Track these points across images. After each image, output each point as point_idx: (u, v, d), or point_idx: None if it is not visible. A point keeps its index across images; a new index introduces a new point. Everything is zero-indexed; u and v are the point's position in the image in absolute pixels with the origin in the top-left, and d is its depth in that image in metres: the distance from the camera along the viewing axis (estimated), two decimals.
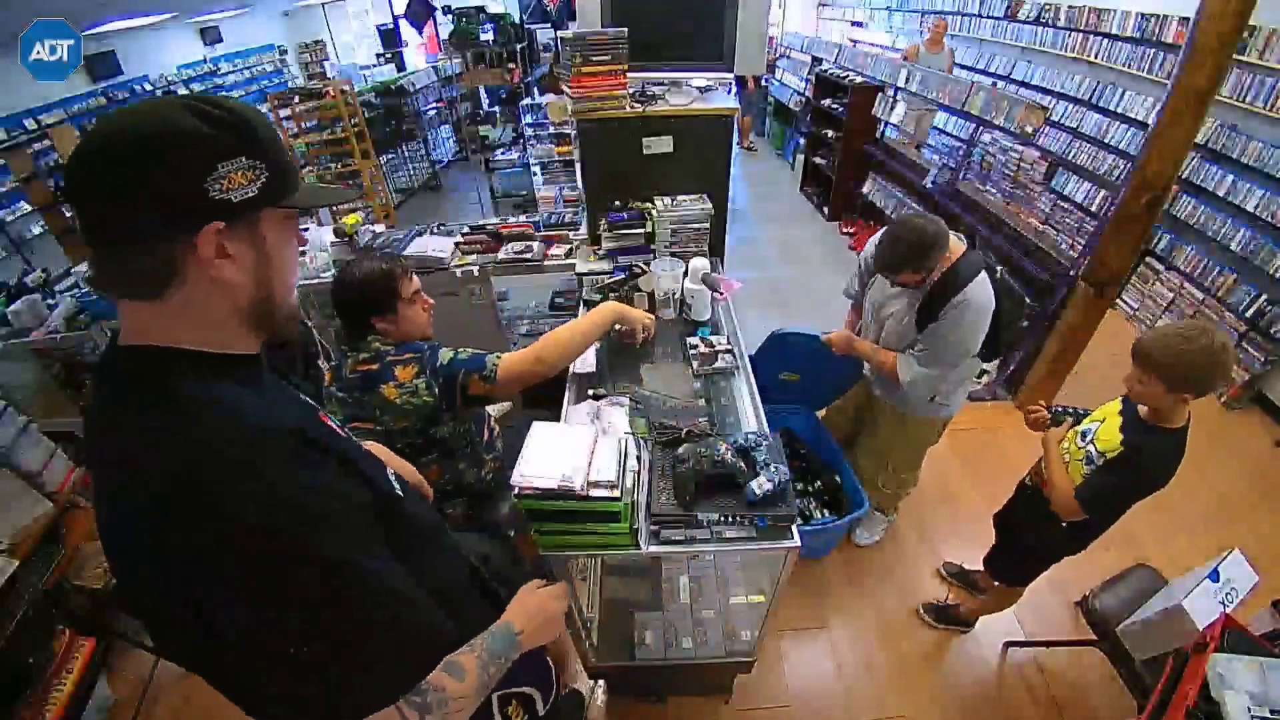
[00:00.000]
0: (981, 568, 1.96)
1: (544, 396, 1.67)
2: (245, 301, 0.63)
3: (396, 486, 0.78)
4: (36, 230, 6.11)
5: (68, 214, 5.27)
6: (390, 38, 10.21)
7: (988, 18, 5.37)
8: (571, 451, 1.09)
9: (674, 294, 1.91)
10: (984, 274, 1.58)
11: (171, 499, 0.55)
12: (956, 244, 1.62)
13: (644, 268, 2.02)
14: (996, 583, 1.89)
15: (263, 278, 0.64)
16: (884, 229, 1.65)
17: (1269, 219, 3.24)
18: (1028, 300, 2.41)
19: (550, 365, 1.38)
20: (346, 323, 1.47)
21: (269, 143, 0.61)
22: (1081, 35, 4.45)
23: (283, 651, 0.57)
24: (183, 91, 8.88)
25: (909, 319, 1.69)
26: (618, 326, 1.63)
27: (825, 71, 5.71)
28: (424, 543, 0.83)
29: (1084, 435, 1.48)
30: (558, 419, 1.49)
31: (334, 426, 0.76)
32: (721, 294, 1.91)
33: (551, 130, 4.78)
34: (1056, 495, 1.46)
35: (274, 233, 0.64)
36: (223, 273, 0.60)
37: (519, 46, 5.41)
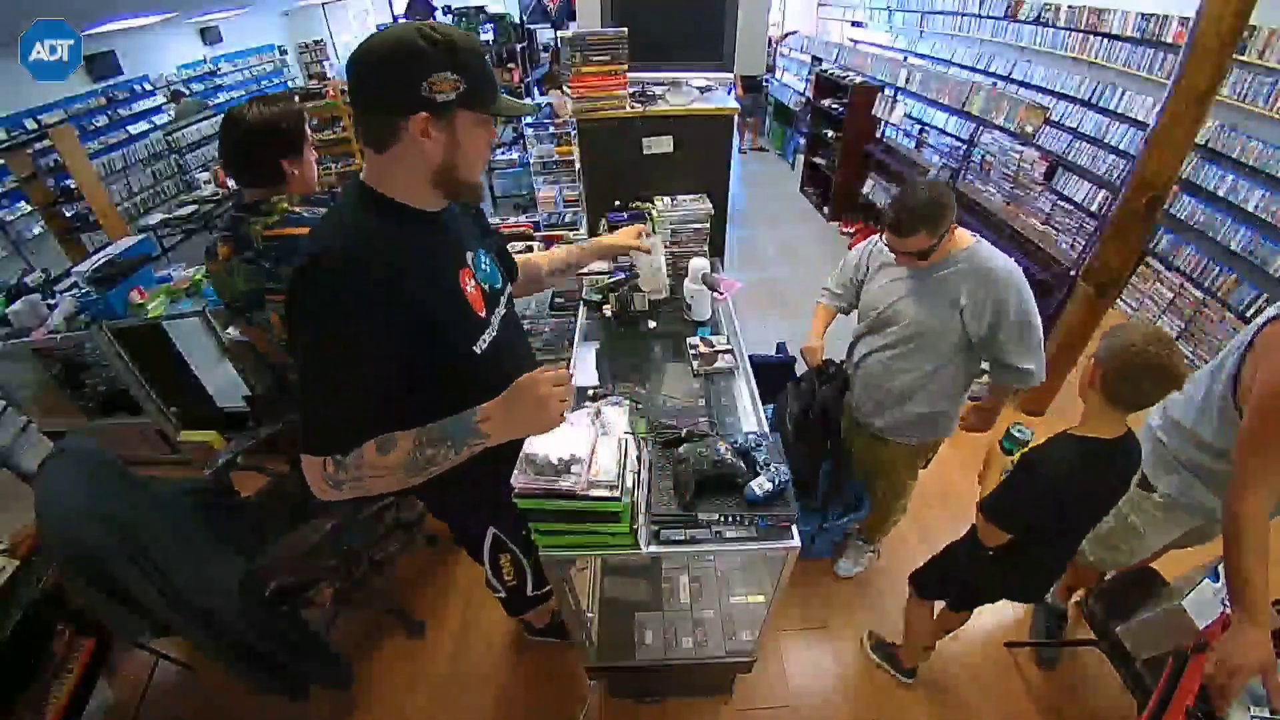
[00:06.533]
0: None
1: None
2: (434, 168, 0.90)
3: (479, 345, 1.04)
4: (36, 230, 6.09)
5: (67, 214, 5.28)
6: None
7: (988, 18, 5.36)
8: (571, 451, 1.08)
9: (659, 268, 1.82)
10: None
11: (299, 268, 0.85)
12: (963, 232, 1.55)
13: None
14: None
15: (450, 157, 0.90)
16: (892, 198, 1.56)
17: (1269, 219, 3.24)
18: None
19: None
20: (251, 167, 1.34)
21: (470, 64, 0.84)
22: (1081, 35, 4.44)
23: (304, 385, 0.89)
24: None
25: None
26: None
27: (825, 71, 5.72)
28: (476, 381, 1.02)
29: None
30: None
31: (459, 284, 1.01)
32: (721, 294, 1.91)
33: (552, 130, 4.78)
34: None
35: (465, 128, 0.89)
36: (423, 147, 0.87)
37: (519, 46, 5.40)
